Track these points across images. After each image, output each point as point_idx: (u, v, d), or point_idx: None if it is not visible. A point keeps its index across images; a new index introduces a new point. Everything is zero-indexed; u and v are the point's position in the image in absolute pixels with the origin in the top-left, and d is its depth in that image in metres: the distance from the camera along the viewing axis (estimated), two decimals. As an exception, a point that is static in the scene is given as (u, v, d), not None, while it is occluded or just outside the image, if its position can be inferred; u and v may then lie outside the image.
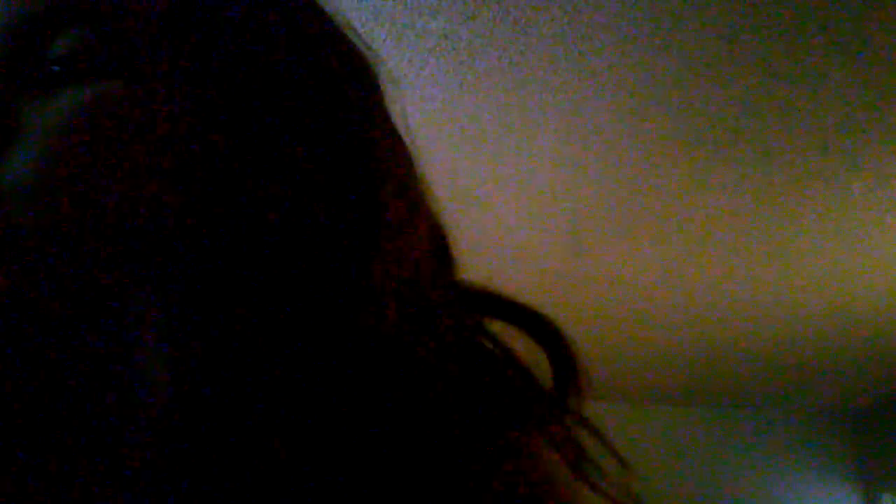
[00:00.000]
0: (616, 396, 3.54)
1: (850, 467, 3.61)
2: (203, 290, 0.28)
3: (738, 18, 1.40)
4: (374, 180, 0.32)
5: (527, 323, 0.38)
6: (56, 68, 0.29)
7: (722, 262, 2.30)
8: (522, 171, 1.88)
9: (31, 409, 0.27)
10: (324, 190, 0.30)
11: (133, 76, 0.29)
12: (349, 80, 0.34)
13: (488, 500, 0.28)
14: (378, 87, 0.37)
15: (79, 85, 0.28)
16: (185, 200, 0.29)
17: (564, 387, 0.36)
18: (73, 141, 0.28)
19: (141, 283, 0.28)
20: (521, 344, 0.37)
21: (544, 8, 1.39)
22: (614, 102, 1.63)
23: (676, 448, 3.55)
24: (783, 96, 1.60)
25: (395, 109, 0.38)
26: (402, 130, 0.38)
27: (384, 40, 1.46)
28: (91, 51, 0.29)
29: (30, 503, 0.27)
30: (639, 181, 1.91)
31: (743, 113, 1.66)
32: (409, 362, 0.29)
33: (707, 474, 3.50)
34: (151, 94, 0.29)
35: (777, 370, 3.20)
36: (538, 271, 2.38)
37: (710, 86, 1.58)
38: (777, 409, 3.68)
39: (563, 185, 1.93)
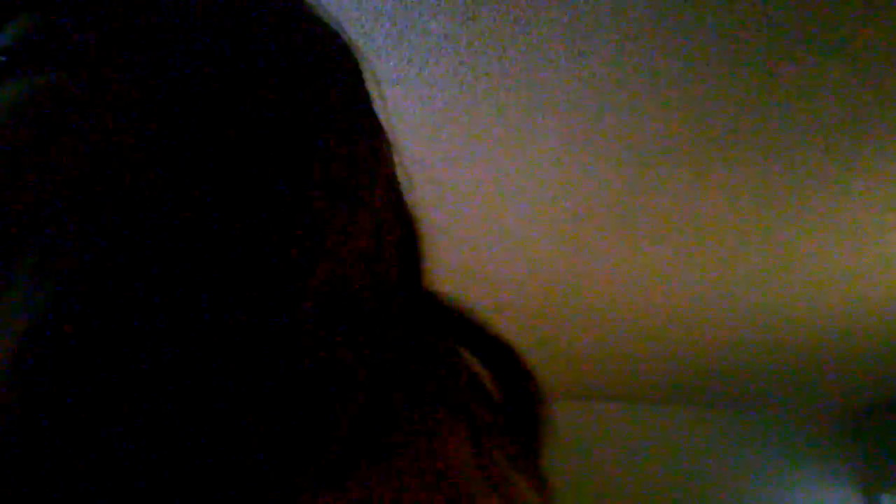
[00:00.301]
0: (616, 396, 3.54)
1: (850, 467, 3.61)
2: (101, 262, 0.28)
3: (738, 18, 1.40)
4: (305, 177, 0.31)
5: (490, 358, 0.37)
6: (3, 58, 0.29)
7: (722, 262, 2.30)
8: (522, 171, 1.88)
9: None
10: (252, 179, 0.30)
11: (77, 65, 0.29)
12: (295, 67, 0.33)
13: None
14: (337, 76, 0.35)
15: (23, 75, 0.29)
16: (117, 186, 0.28)
17: (521, 422, 0.36)
18: (13, 130, 0.28)
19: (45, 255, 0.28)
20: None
21: (544, 8, 1.39)
22: (614, 102, 1.63)
23: (676, 448, 3.55)
24: (783, 96, 1.60)
25: (376, 101, 0.37)
26: (376, 122, 0.37)
27: (384, 40, 1.46)
28: (37, 41, 0.29)
29: None
30: (639, 181, 1.91)
31: (743, 113, 1.66)
32: (319, 359, 0.29)
33: (707, 474, 3.50)
34: (92, 83, 0.29)
35: (777, 370, 3.20)
36: (538, 271, 2.38)
37: (710, 86, 1.58)
38: (777, 410, 3.69)
39: (563, 185, 1.93)
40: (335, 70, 0.35)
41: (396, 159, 0.38)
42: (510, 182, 1.92)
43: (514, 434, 0.36)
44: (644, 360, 3.12)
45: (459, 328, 0.38)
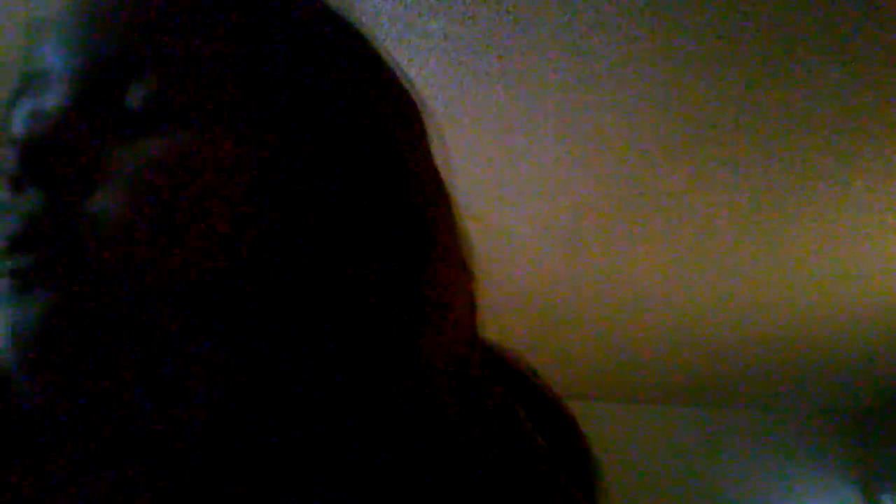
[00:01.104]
0: (616, 396, 3.54)
1: (850, 467, 3.61)
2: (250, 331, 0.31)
3: (738, 18, 1.40)
4: (425, 246, 0.34)
5: (547, 422, 0.39)
6: (134, 116, 0.31)
7: (721, 262, 2.30)
8: (522, 171, 1.88)
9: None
10: (373, 248, 0.33)
11: (203, 123, 0.31)
12: (403, 131, 0.36)
13: None
14: (427, 133, 0.38)
15: (155, 133, 0.30)
16: (248, 244, 0.31)
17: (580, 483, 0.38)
18: (153, 190, 0.30)
19: (198, 321, 0.30)
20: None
21: (544, 8, 1.39)
22: (614, 102, 1.63)
23: (676, 448, 3.55)
24: (783, 96, 1.60)
25: (438, 150, 0.39)
26: (444, 174, 0.40)
27: (384, 40, 1.46)
28: (165, 100, 0.31)
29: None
30: (639, 181, 1.91)
31: (743, 113, 1.66)
32: (443, 425, 0.32)
33: (707, 474, 3.49)
34: (219, 141, 0.32)
35: (777, 370, 3.20)
36: (538, 271, 2.38)
37: (710, 86, 1.58)
38: (777, 409, 3.68)
39: (563, 185, 1.93)
40: (421, 131, 0.38)
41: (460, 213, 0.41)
42: (510, 182, 1.92)
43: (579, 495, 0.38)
44: (644, 360, 3.12)
45: (514, 381, 0.41)
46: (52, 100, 0.31)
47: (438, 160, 0.39)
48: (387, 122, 0.35)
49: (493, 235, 2.16)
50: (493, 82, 1.58)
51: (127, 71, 0.31)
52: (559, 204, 2.02)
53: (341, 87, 0.35)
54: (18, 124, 0.32)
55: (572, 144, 1.78)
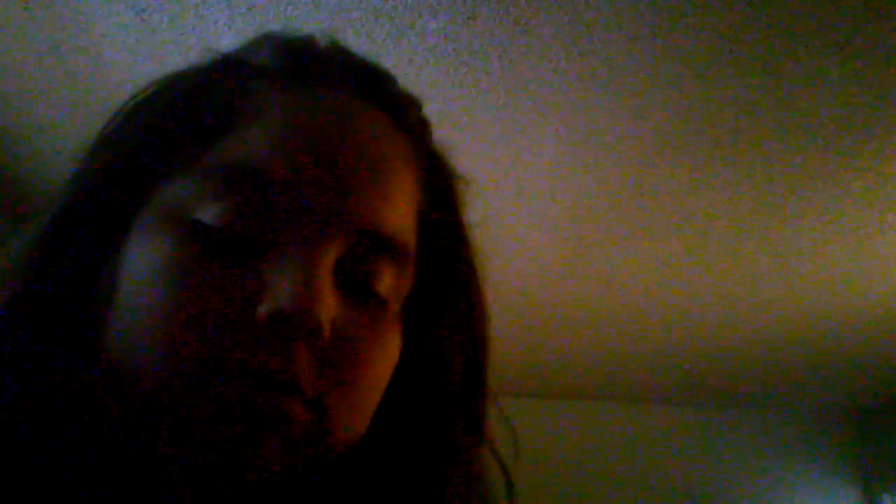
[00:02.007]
0: (616, 396, 3.54)
1: (850, 467, 3.61)
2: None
3: (738, 18, 1.40)
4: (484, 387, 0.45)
5: None
6: (372, 294, 0.37)
7: (722, 262, 2.30)
8: (522, 171, 1.88)
9: None
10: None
11: (398, 311, 0.40)
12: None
13: None
14: None
15: (387, 314, 0.38)
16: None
17: None
18: (373, 362, 0.37)
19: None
20: None
21: (544, 8, 1.39)
22: (614, 102, 1.63)
23: (676, 448, 3.55)
24: (783, 96, 1.60)
25: None
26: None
27: (384, 40, 1.46)
28: (395, 286, 0.38)
29: None
30: (639, 181, 1.91)
31: (743, 113, 1.66)
32: None
33: (707, 474, 3.50)
34: (398, 330, 0.40)
35: (777, 370, 3.20)
36: (538, 271, 2.38)
37: (710, 86, 1.58)
38: (777, 409, 3.69)
39: (563, 185, 1.94)
40: None
41: None
42: (510, 182, 1.92)
43: None
44: (644, 359, 3.12)
45: None
46: (302, 252, 0.35)
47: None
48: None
49: (493, 235, 2.16)
50: (493, 82, 1.58)
51: (375, 256, 0.37)
52: (559, 204, 2.02)
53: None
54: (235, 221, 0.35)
55: (572, 144, 1.78)
